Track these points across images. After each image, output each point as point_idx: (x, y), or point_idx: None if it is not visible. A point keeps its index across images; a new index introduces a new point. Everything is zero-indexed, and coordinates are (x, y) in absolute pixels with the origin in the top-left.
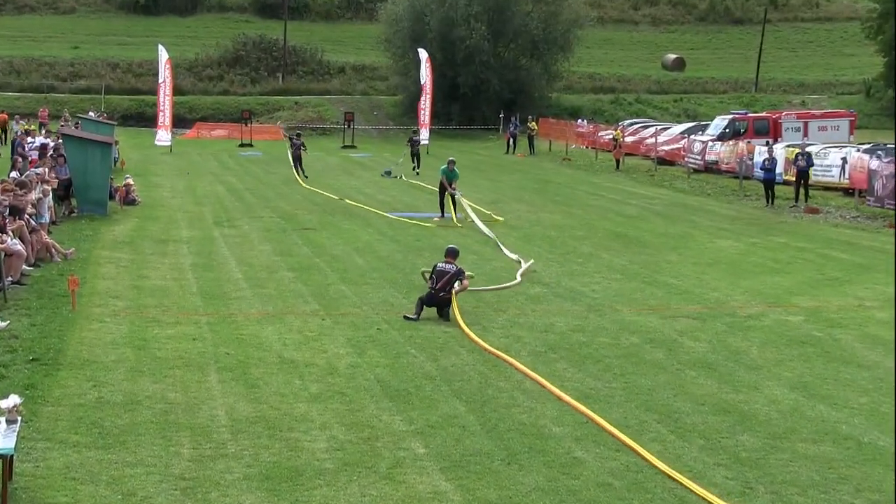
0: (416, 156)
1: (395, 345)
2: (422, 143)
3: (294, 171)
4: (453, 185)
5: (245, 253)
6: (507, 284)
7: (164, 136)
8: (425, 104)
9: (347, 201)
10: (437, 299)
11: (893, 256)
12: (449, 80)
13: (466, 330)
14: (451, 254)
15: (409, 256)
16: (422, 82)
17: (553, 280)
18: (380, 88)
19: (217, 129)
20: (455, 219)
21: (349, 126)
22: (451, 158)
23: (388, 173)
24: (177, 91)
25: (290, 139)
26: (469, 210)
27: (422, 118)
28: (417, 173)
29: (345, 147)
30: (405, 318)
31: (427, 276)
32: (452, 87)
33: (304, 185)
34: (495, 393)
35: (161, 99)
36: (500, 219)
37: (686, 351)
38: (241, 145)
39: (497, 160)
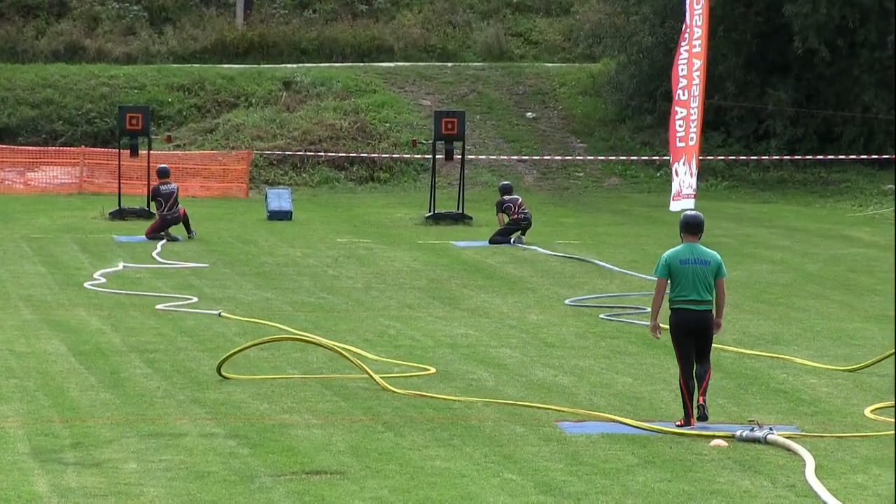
0: (519, 230)
1: None
2: (676, 206)
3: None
4: None
5: None
6: None
7: None
8: (692, 91)
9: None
10: None
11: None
12: (755, 27)
13: None
14: None
15: None
16: (684, 26)
17: None
18: (544, 43)
19: (46, 166)
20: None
21: (450, 156)
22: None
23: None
24: None
25: (159, 192)
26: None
27: (676, 134)
28: (521, 241)
29: (434, 218)
30: None
31: None
32: (767, 43)
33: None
34: None
35: None
36: None
37: None
38: (119, 214)
39: None
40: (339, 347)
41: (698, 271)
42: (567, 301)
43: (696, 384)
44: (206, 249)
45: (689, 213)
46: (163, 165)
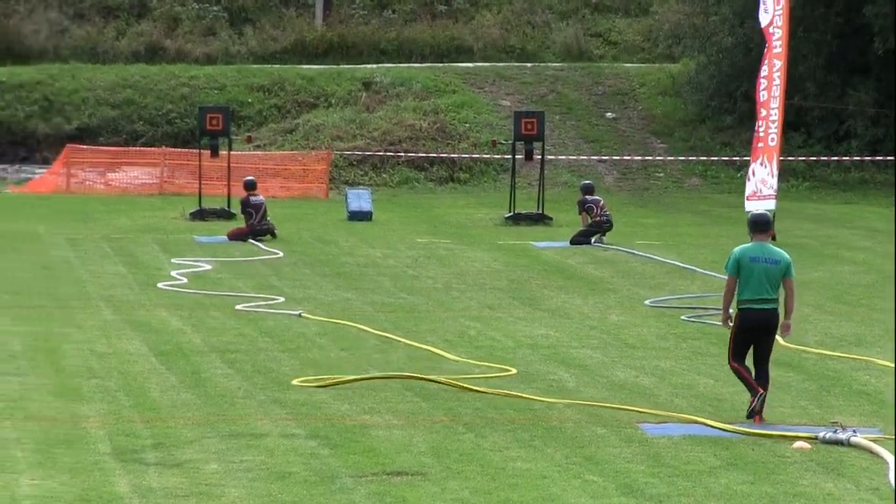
0: (600, 232)
1: None
2: (753, 207)
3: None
4: None
5: None
6: None
7: None
8: (772, 89)
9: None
10: None
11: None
12: (835, 27)
13: None
14: None
15: None
16: (762, 24)
17: None
18: (623, 43)
19: (126, 166)
20: None
21: (529, 157)
22: None
23: None
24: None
25: (249, 203)
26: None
27: (761, 134)
28: (601, 242)
29: (514, 218)
30: None
31: None
32: (847, 43)
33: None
34: None
35: None
36: None
37: None
38: (199, 214)
39: None
40: (455, 381)
41: (769, 270)
42: (648, 302)
43: (748, 368)
44: (286, 249)
45: (755, 212)
46: (249, 178)
